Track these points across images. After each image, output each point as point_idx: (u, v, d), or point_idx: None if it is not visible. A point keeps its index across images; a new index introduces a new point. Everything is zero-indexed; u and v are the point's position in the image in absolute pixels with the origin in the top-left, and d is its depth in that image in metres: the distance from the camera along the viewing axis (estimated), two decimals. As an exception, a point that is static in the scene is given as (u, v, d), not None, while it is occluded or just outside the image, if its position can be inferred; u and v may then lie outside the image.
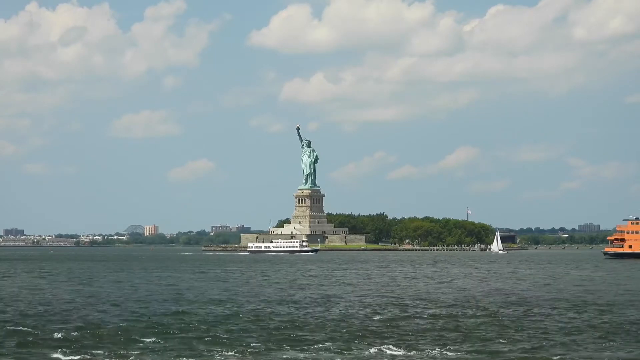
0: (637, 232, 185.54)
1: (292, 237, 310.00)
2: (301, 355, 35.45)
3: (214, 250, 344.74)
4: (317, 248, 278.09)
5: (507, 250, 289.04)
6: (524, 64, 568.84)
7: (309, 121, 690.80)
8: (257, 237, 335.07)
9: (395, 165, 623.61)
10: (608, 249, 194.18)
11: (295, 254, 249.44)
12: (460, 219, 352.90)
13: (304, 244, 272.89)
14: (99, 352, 36.07)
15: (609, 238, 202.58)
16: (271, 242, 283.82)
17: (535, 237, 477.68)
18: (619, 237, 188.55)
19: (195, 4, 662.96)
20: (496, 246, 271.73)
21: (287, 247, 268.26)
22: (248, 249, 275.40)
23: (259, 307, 55.73)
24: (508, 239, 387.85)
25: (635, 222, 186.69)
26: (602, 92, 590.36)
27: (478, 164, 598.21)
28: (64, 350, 36.52)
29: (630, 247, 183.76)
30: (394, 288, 76.77)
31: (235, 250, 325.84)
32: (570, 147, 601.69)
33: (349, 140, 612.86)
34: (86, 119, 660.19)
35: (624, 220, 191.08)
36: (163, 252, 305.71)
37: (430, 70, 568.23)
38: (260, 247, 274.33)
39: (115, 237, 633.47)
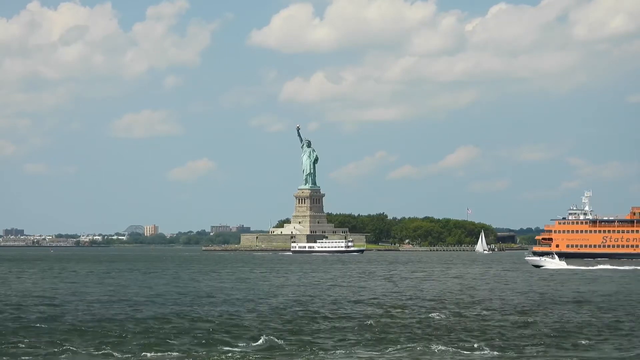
0: (564, 231, 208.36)
1: (292, 237, 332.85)
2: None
3: (214, 250, 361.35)
4: (363, 248, 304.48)
5: (492, 250, 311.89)
6: (525, 64, 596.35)
7: (309, 121, 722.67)
8: (257, 237, 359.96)
9: (396, 165, 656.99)
10: (536, 248, 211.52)
11: (341, 254, 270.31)
12: (460, 219, 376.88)
13: (350, 244, 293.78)
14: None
15: (537, 237, 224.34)
16: (315, 242, 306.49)
17: (535, 237, 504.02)
18: (547, 237, 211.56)
19: (197, 3, 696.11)
20: (480, 246, 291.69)
21: (332, 247, 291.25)
22: (292, 249, 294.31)
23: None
24: (508, 239, 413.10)
25: (562, 221, 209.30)
26: (603, 92, 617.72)
27: (478, 164, 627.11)
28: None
29: (557, 246, 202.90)
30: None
31: (236, 250, 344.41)
32: (571, 147, 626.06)
33: (349, 140, 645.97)
34: (86, 119, 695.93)
35: (551, 220, 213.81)
36: (184, 252, 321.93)
37: (431, 70, 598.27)
38: (304, 247, 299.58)
39: (115, 237, 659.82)
